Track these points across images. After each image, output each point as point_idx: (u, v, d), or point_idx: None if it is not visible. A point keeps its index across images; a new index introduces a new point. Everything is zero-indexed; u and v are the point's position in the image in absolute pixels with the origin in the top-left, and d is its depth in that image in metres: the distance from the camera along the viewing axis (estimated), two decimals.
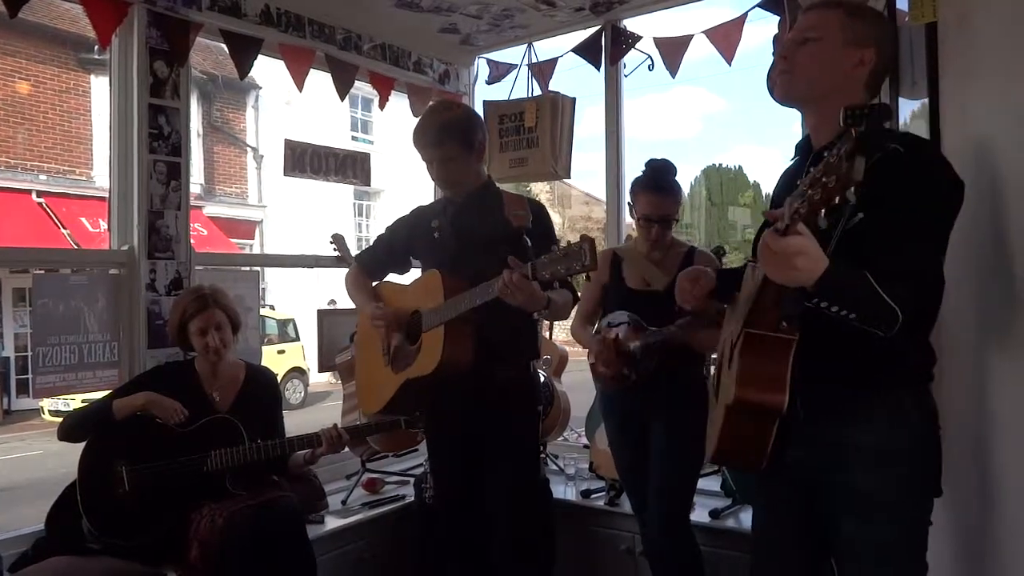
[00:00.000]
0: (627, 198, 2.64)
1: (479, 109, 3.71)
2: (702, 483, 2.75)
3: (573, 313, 2.57)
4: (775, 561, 1.70)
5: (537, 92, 3.73)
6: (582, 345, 2.66)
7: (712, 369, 1.90)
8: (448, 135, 2.28)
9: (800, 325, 1.39)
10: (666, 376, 2.41)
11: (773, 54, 1.62)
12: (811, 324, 1.38)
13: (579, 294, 2.46)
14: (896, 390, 1.47)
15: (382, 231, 2.60)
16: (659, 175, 2.54)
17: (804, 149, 1.64)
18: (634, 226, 2.75)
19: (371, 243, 2.63)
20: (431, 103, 3.15)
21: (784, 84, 1.57)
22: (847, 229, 1.29)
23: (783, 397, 1.40)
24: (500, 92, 3.88)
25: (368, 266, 2.59)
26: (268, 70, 6.22)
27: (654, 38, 3.37)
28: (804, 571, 1.63)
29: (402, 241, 2.53)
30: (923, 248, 1.36)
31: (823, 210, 1.14)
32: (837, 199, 1.11)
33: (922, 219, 1.35)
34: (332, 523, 2.90)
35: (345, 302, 3.53)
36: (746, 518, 2.78)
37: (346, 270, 2.68)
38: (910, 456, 1.47)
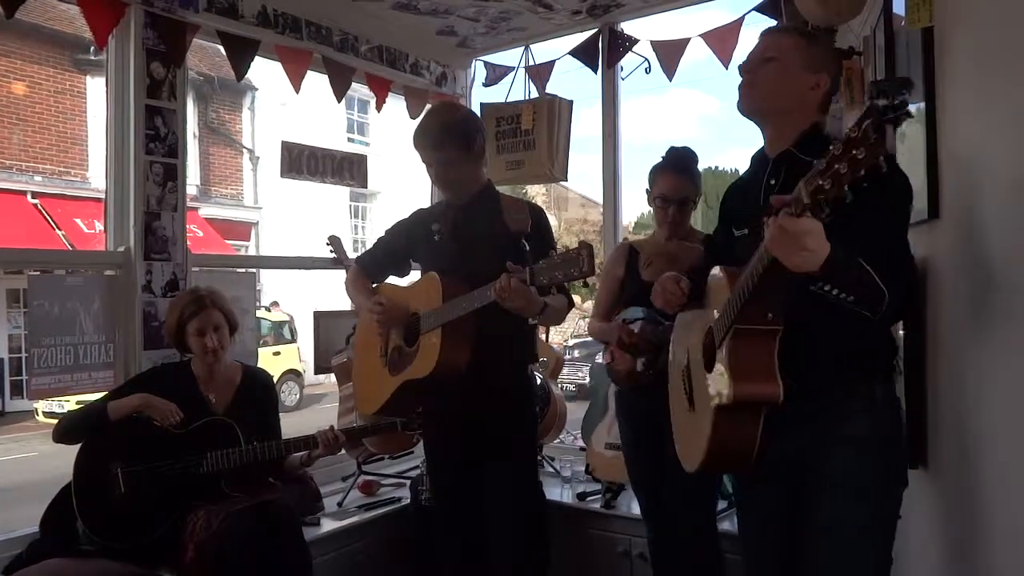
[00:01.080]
0: (623, 201, 2.64)
1: (476, 111, 3.71)
2: None
3: (575, 313, 2.57)
4: (765, 560, 1.73)
5: (534, 94, 3.74)
6: (600, 341, 2.64)
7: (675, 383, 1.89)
8: (449, 137, 2.28)
9: (784, 316, 1.46)
10: None
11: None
12: (791, 317, 1.46)
13: (574, 298, 2.45)
14: (869, 380, 1.56)
15: (382, 233, 2.60)
16: (679, 158, 2.55)
17: (760, 160, 1.73)
18: (630, 228, 2.74)
19: (371, 245, 2.63)
20: (431, 105, 3.16)
21: (746, 97, 1.69)
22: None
23: (777, 387, 1.46)
24: (497, 94, 3.90)
25: (368, 268, 2.59)
26: (264, 71, 6.19)
27: (651, 41, 3.38)
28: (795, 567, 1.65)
29: (402, 244, 2.53)
30: (900, 239, 1.50)
31: (847, 185, 1.17)
32: (863, 170, 1.15)
33: (899, 213, 1.51)
34: (328, 525, 2.90)
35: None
36: None
37: (342, 272, 2.67)
38: (884, 443, 1.56)
